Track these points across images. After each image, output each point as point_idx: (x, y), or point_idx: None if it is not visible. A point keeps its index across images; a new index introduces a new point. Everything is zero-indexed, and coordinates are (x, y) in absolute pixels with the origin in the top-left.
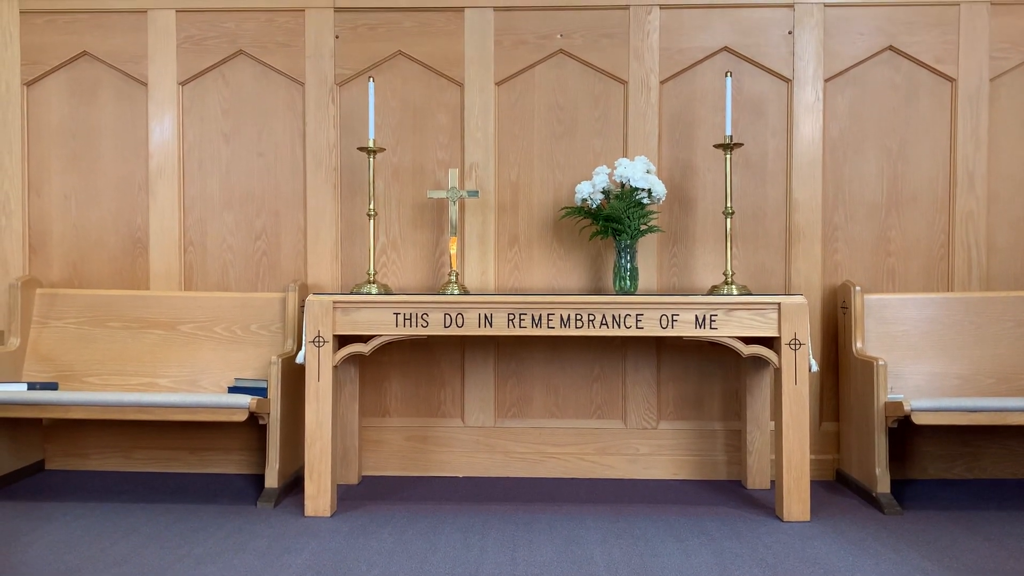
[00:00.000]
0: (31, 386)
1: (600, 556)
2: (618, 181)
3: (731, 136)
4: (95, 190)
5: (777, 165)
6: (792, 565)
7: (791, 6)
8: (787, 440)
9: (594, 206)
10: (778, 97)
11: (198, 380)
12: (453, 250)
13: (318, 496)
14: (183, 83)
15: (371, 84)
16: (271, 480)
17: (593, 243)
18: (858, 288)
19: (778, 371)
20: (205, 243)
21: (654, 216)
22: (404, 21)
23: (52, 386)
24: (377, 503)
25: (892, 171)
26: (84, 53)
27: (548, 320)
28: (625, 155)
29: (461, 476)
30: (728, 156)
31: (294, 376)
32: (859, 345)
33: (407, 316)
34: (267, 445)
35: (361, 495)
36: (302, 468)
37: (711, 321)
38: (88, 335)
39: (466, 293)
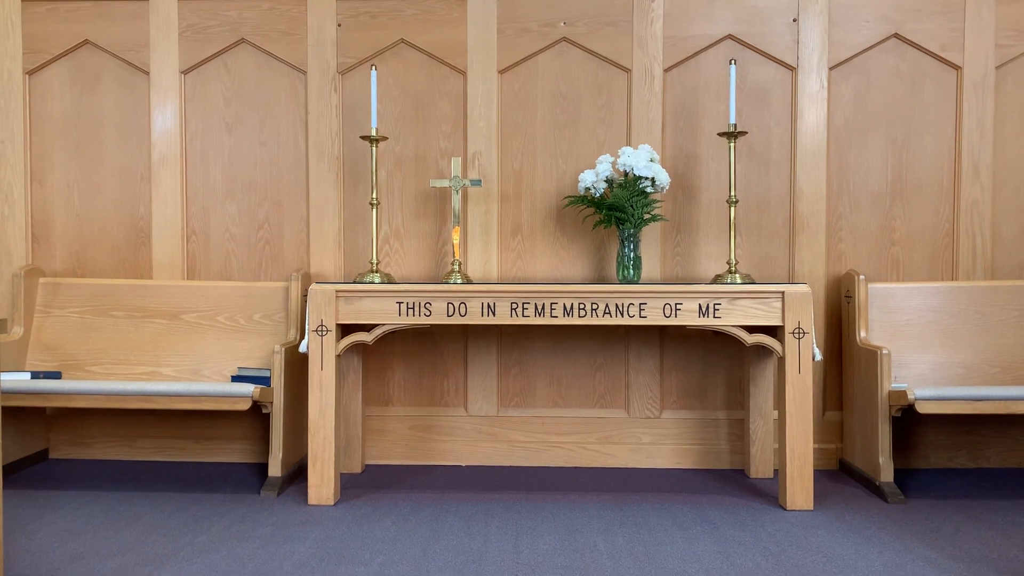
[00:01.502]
0: (35, 375)
1: (603, 544)
2: (621, 170)
3: (735, 125)
4: (98, 179)
5: (781, 154)
6: (795, 553)
7: None
8: (790, 429)
9: (597, 195)
10: (782, 85)
11: (201, 369)
12: (456, 239)
13: (321, 485)
14: (185, 72)
15: (373, 73)
16: (274, 469)
17: (596, 232)
18: (862, 277)
19: (782, 360)
20: (208, 232)
21: (657, 205)
22: (406, 9)
23: (55, 375)
24: (380, 492)
25: (897, 160)
26: (86, 42)
27: (551, 309)
28: (629, 144)
29: (464, 465)
30: (732, 145)
31: (297, 365)
32: (863, 334)
33: (410, 305)
34: (270, 434)
35: (364, 484)
36: (305, 457)
37: (715, 310)
38: (91, 324)
39: (469, 282)
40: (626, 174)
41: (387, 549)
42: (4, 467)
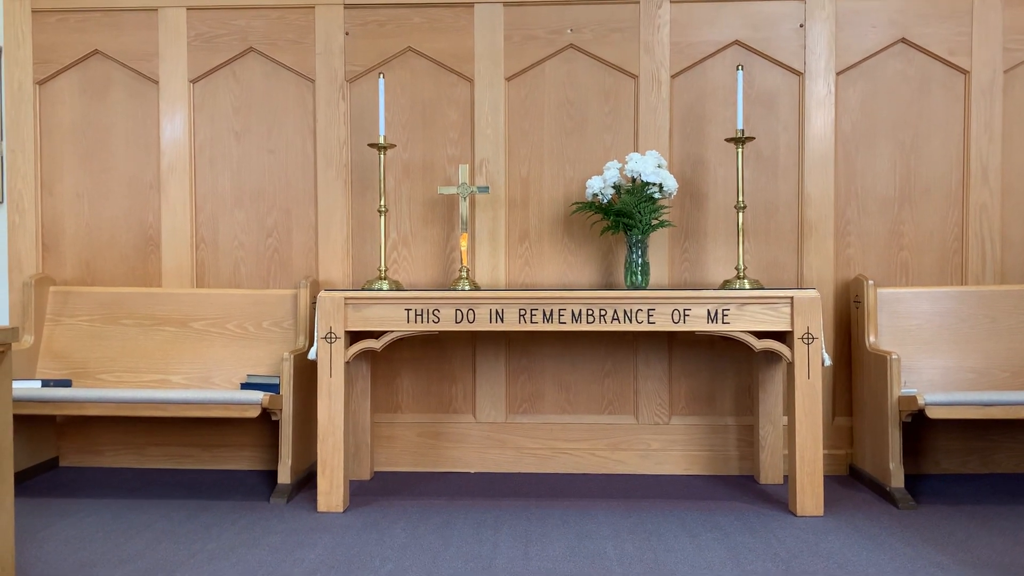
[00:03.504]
0: (45, 383)
1: (613, 551)
2: (629, 176)
3: (742, 130)
4: (107, 188)
5: (789, 159)
6: (806, 560)
7: None
8: (800, 435)
9: (605, 201)
10: (789, 91)
11: (210, 377)
12: (464, 246)
13: (331, 492)
14: (194, 81)
15: (381, 80)
16: (284, 476)
17: (604, 238)
18: (871, 282)
19: (791, 365)
20: (217, 240)
21: (665, 211)
22: (413, 17)
23: (66, 383)
24: (390, 499)
25: (905, 164)
26: (95, 52)
27: (559, 315)
28: (636, 150)
29: (473, 472)
30: (739, 150)
31: (306, 372)
32: (872, 339)
33: (418, 312)
34: (280, 441)
35: (373, 491)
36: (314, 464)
37: (723, 315)
38: (101, 332)
39: (477, 289)
40: (634, 180)
41: (397, 556)
42: (15, 475)
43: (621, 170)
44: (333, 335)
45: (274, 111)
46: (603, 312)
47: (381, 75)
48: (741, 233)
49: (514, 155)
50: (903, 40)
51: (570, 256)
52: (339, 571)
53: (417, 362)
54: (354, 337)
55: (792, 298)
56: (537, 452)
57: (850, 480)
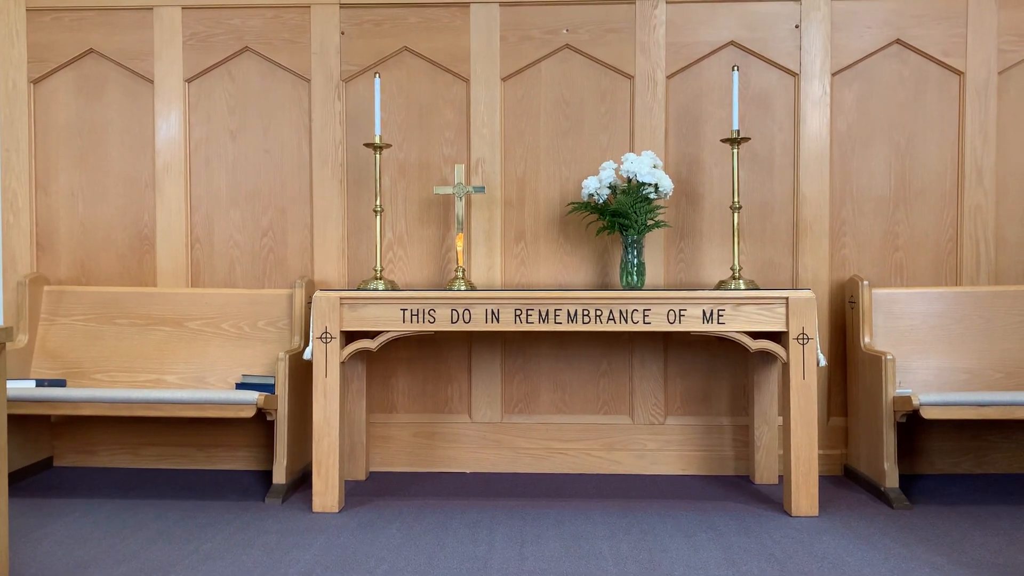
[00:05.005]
0: (39, 383)
1: (608, 551)
2: (625, 176)
3: (738, 131)
4: (102, 187)
5: (784, 160)
6: (801, 560)
7: (798, 0)
8: (795, 435)
9: (601, 201)
10: (785, 91)
11: (205, 377)
12: (459, 246)
13: (326, 492)
14: (189, 80)
15: (377, 80)
16: (279, 476)
17: (600, 238)
18: (866, 282)
19: (786, 366)
20: (212, 240)
21: (661, 211)
22: (409, 17)
23: (60, 383)
24: (385, 499)
25: (900, 165)
26: (90, 51)
27: (555, 315)
28: (632, 150)
29: (468, 472)
30: (735, 151)
31: (301, 372)
32: (867, 340)
33: (414, 312)
34: (275, 441)
35: (369, 491)
36: (309, 464)
37: (719, 316)
38: (96, 332)
39: (473, 289)
40: (629, 180)
41: (392, 556)
42: (9, 475)
43: (617, 170)
44: (328, 335)
45: (270, 110)
46: (599, 312)
47: (377, 75)
48: (736, 233)
49: (510, 155)
50: (898, 41)
51: (566, 256)
52: (334, 571)
53: (413, 362)
54: (350, 337)
55: (787, 299)
56: (533, 452)
57: (845, 480)
